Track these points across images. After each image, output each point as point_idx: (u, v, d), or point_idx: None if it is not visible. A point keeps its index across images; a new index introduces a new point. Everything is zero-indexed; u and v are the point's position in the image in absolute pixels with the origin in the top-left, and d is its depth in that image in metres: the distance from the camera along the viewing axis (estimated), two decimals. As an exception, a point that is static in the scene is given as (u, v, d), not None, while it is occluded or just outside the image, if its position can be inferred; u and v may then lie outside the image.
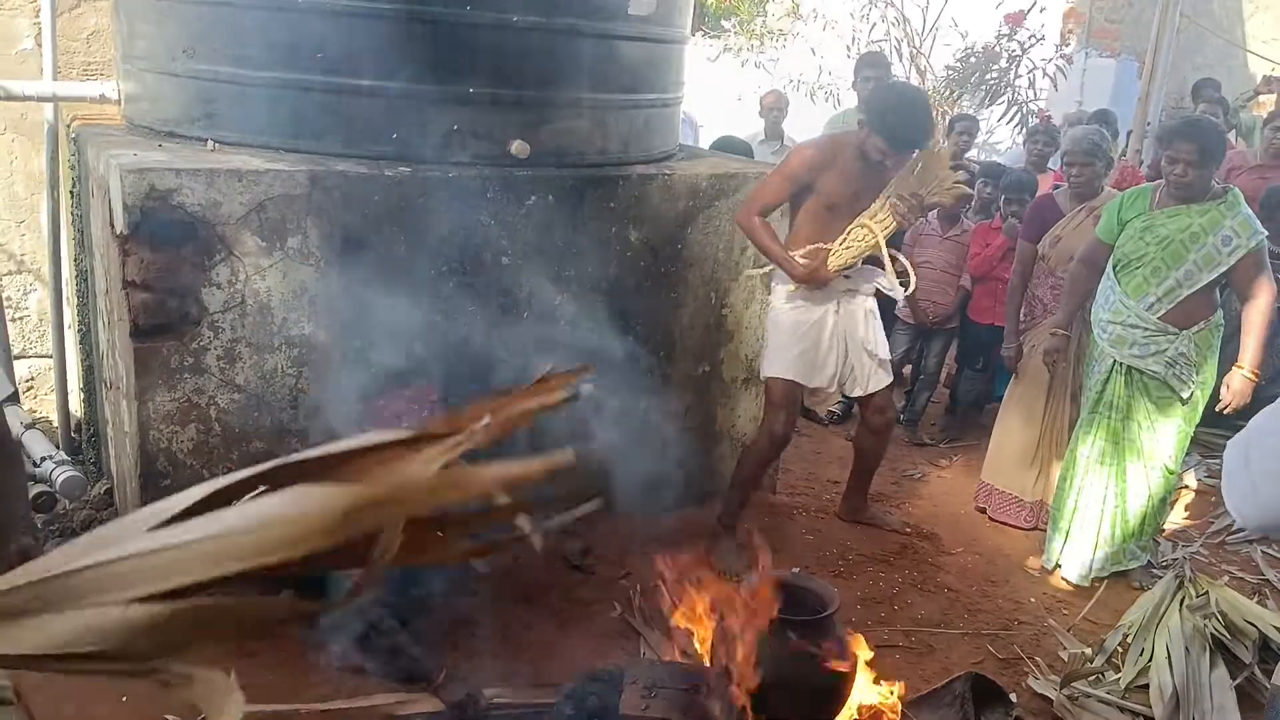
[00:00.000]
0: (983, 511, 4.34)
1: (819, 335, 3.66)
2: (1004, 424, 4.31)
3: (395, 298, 2.90)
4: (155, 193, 2.79)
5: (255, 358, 3.02)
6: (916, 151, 3.50)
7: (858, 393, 3.80)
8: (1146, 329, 3.54)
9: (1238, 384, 3.49)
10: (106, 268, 3.12)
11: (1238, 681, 3.01)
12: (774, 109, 6.34)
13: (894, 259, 3.62)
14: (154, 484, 2.96)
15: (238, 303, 2.96)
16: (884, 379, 3.77)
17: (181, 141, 3.25)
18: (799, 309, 3.66)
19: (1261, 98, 8.36)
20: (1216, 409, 3.58)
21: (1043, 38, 8.13)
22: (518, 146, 3.24)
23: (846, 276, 3.63)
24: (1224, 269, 3.46)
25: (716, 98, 8.79)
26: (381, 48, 3.11)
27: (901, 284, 3.64)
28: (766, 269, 3.73)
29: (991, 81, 7.99)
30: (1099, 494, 3.73)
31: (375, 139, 3.19)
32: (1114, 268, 3.63)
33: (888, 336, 3.93)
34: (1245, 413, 3.12)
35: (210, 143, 3.20)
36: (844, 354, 3.71)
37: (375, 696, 2.73)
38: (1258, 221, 3.49)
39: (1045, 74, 7.95)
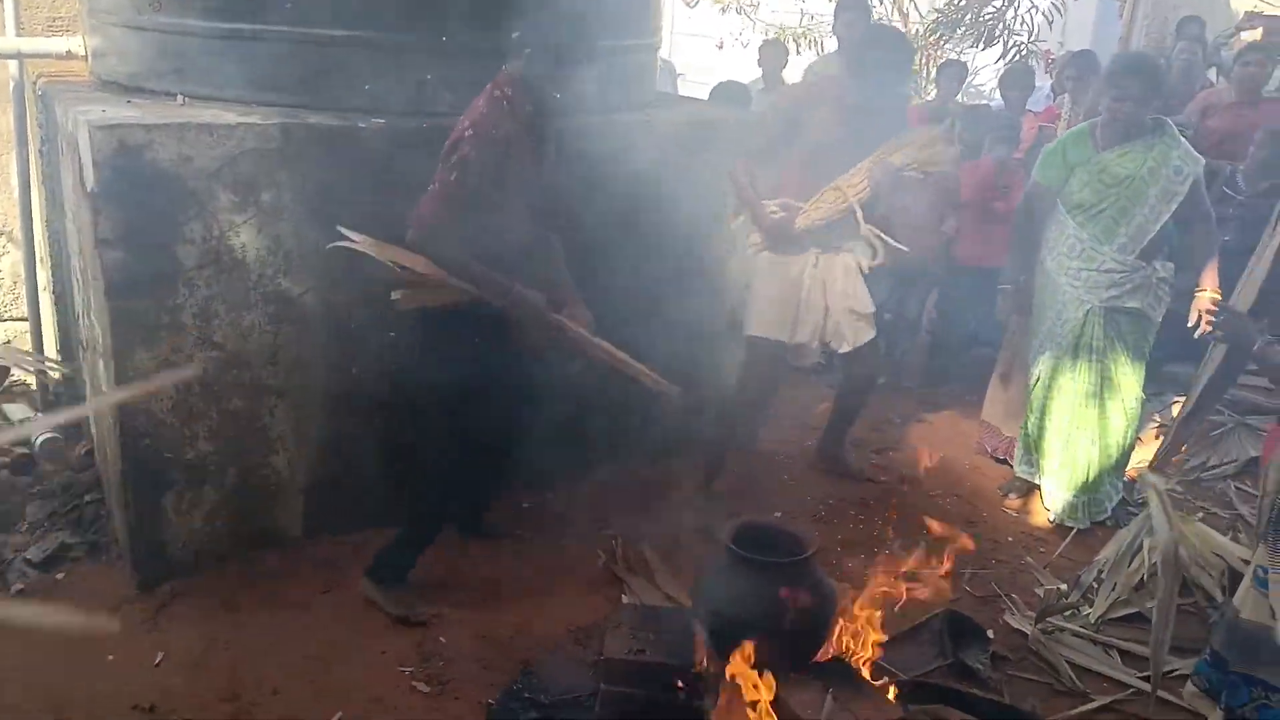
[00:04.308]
0: (987, 454, 4.35)
1: (797, 287, 3.63)
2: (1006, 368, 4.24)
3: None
4: (125, 149, 2.75)
5: (232, 315, 3.00)
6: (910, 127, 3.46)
7: (845, 349, 3.71)
8: (1123, 270, 3.57)
9: (1207, 303, 3.56)
10: (79, 227, 3.09)
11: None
12: (772, 59, 6.38)
13: (870, 233, 3.57)
14: (134, 444, 2.96)
15: (212, 259, 2.93)
16: (867, 333, 3.71)
17: (151, 96, 3.20)
18: (775, 261, 3.63)
19: (1243, 34, 8.27)
20: (1196, 334, 3.61)
21: None
22: (492, 96, 3.19)
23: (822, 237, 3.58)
24: (1180, 199, 3.52)
25: (698, 45, 8.70)
26: (351, -3, 3.06)
27: (873, 257, 3.61)
28: (741, 218, 3.72)
29: (987, 21, 7.78)
30: (1084, 435, 3.75)
31: (348, 91, 3.15)
32: (1069, 213, 3.64)
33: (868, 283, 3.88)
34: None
35: (180, 97, 3.15)
36: (824, 306, 3.66)
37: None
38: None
39: (1044, 14, 7.78)
